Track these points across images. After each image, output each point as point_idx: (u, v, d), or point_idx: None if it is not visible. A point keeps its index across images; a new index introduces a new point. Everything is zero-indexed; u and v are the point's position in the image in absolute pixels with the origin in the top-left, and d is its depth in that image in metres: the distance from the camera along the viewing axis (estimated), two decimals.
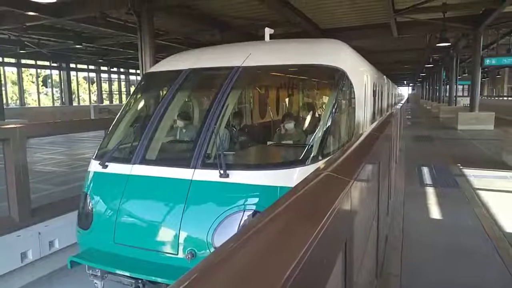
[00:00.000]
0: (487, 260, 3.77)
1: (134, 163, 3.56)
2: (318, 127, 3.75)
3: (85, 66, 29.67)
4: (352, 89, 4.31)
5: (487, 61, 15.80)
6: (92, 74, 31.38)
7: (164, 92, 4.34)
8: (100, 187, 3.69)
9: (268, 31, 4.95)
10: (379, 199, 2.92)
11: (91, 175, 3.81)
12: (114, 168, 3.65)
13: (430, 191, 6.34)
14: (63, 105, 27.37)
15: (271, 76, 4.94)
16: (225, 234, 2.87)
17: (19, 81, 25.46)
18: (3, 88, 22.19)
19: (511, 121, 17.79)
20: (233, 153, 4.20)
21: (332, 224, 0.99)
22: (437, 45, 14.07)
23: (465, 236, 4.39)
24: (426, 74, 40.39)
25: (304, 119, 5.12)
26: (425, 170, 7.95)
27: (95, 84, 31.90)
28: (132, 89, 30.47)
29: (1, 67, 23.48)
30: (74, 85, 29.16)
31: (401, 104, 14.86)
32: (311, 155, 3.40)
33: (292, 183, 2.76)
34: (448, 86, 26.01)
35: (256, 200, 3.12)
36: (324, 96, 5.31)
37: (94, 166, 3.81)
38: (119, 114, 4.47)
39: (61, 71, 27.40)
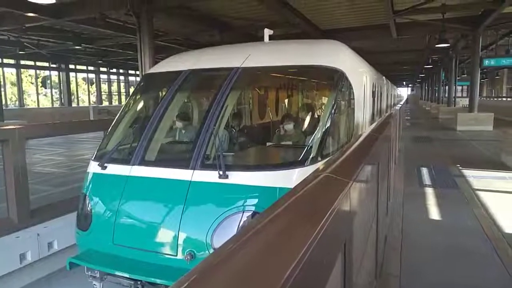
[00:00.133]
0: (486, 261, 3.77)
1: (133, 164, 3.55)
2: (317, 128, 3.75)
3: (84, 67, 29.66)
4: (351, 90, 4.31)
5: (486, 62, 15.84)
6: (92, 75, 31.37)
7: (164, 93, 4.34)
8: (99, 188, 3.69)
9: (267, 32, 4.96)
10: (378, 200, 2.92)
11: (90, 176, 3.80)
12: (113, 169, 3.65)
13: (429, 192, 6.34)
14: (62, 106, 27.34)
15: (270, 77, 4.94)
16: (224, 235, 2.86)
17: (18, 82, 25.45)
18: (2, 89, 22.19)
19: (510, 122, 17.83)
20: (233, 154, 4.19)
21: (332, 225, 0.99)
22: (436, 46, 14.08)
23: (464, 237, 4.39)
24: (425, 75, 40.44)
25: (304, 120, 5.12)
26: (424, 171, 7.95)
27: (94, 85, 31.90)
28: (132, 90, 30.48)
29: (0, 68, 23.46)
30: (73, 86, 29.15)
31: (400, 105, 14.88)
32: (310, 156, 3.40)
33: (291, 184, 2.76)
34: (447, 87, 26.03)
35: (255, 201, 3.12)
36: (323, 97, 5.31)
37: (93, 167, 3.80)
38: (118, 115, 4.46)
39: (60, 72, 27.38)
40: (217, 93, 3.80)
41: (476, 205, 5.54)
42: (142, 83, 5.22)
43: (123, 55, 21.32)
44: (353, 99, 4.43)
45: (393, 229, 4.63)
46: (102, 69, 30.93)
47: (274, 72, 4.50)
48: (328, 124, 3.66)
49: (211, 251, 2.98)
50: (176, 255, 3.09)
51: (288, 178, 3.16)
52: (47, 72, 28.00)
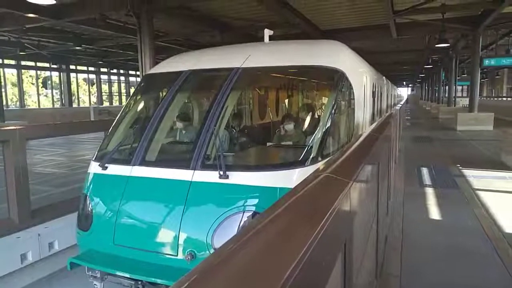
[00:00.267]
0: (487, 261, 3.77)
1: (134, 165, 3.56)
2: (318, 128, 3.75)
3: (85, 68, 29.68)
4: (351, 90, 4.31)
5: (486, 62, 15.83)
6: (92, 76, 31.39)
7: (164, 94, 4.34)
8: (100, 189, 3.69)
9: (267, 32, 4.96)
10: (379, 200, 2.92)
11: (91, 176, 3.81)
12: (114, 169, 3.65)
13: (430, 192, 6.34)
14: (63, 107, 27.36)
15: (270, 77, 4.94)
16: (224, 235, 2.86)
17: (19, 83, 25.47)
18: (3, 90, 22.20)
19: (511, 122, 17.81)
20: (233, 154, 4.20)
21: (332, 225, 1.00)
22: (436, 46, 14.07)
23: (465, 237, 4.39)
24: (425, 75, 40.42)
25: (304, 120, 5.12)
26: (425, 170, 7.95)
27: (95, 86, 31.91)
28: (132, 90, 30.52)
29: (1, 69, 23.47)
30: (74, 86, 29.16)
31: (400, 105, 14.87)
32: (311, 156, 3.41)
33: (291, 184, 2.76)
34: (447, 87, 26.02)
35: (255, 201, 3.12)
36: (323, 97, 5.31)
37: (94, 168, 3.81)
38: (119, 115, 4.47)
39: (61, 73, 27.40)
40: (218, 93, 3.81)
41: (476, 205, 5.54)
42: (142, 84, 5.22)
43: (124, 55, 21.33)
44: (353, 99, 4.43)
45: (393, 229, 4.63)
46: (102, 69, 30.94)
47: (274, 72, 4.50)
48: (328, 124, 3.67)
49: (212, 251, 2.99)
50: (177, 255, 3.09)
51: (289, 178, 3.16)
52: (47, 73, 28.02)
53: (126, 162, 3.65)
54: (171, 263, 3.09)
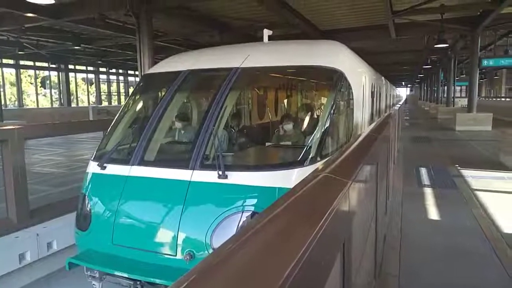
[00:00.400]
0: (485, 261, 3.78)
1: (132, 164, 3.56)
2: (317, 128, 3.75)
3: (83, 68, 29.64)
4: (350, 90, 4.32)
5: (485, 62, 15.85)
6: (91, 75, 31.35)
7: (163, 93, 4.34)
8: (98, 189, 3.69)
9: (266, 33, 4.96)
10: (377, 200, 2.92)
11: (89, 176, 3.80)
12: (113, 169, 3.65)
13: (428, 192, 6.35)
14: (62, 106, 27.32)
15: (269, 77, 4.94)
16: (223, 235, 2.87)
17: (18, 82, 25.42)
18: (1, 89, 22.18)
19: (509, 122, 17.85)
20: (232, 154, 4.20)
21: (331, 225, 1.00)
22: (435, 46, 14.11)
23: (463, 237, 4.40)
24: (424, 75, 40.49)
25: (303, 120, 5.12)
26: (423, 171, 7.97)
27: (93, 85, 31.87)
28: (131, 90, 30.49)
29: (0, 68, 23.42)
30: (72, 86, 29.12)
31: (399, 105, 14.89)
32: (310, 156, 3.41)
33: (290, 184, 2.76)
34: (446, 87, 26.06)
35: (254, 201, 3.13)
36: (322, 97, 5.32)
37: (93, 168, 3.80)
38: (117, 115, 4.47)
39: (60, 72, 27.36)
40: (216, 93, 3.81)
41: (475, 205, 5.55)
42: (141, 84, 5.22)
43: (123, 55, 21.31)
44: (352, 99, 4.43)
45: (392, 229, 4.64)
46: (101, 69, 30.91)
47: (273, 72, 4.50)
48: (327, 124, 3.67)
49: (211, 251, 2.98)
50: (176, 255, 3.09)
51: (287, 178, 3.16)
52: (46, 72, 27.97)
53: (125, 162, 3.65)
54: (170, 263, 3.09)
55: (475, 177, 7.22)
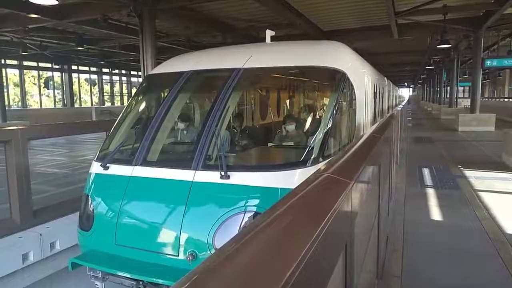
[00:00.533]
0: (488, 262, 3.76)
1: (135, 165, 3.57)
2: (319, 129, 3.75)
3: (86, 68, 29.74)
4: (352, 90, 4.31)
5: (488, 63, 15.78)
6: (94, 76, 31.44)
7: (166, 94, 4.35)
8: (101, 189, 3.70)
9: (269, 33, 4.97)
10: (380, 200, 2.92)
11: (92, 176, 3.82)
12: (116, 169, 3.66)
13: (431, 193, 6.33)
14: (65, 107, 27.42)
15: (272, 77, 4.94)
16: (226, 236, 2.87)
17: (21, 83, 25.53)
18: (5, 90, 22.26)
19: None
20: (234, 155, 4.20)
21: (333, 225, 1.00)
22: (438, 46, 14.06)
23: (466, 238, 4.39)
24: (426, 75, 40.37)
25: (305, 121, 5.12)
26: (426, 171, 7.95)
27: (96, 86, 31.97)
28: (134, 91, 30.57)
29: (4, 69, 23.53)
30: (75, 87, 29.22)
31: (402, 106, 14.85)
32: (312, 157, 3.41)
33: (293, 185, 2.76)
34: (448, 88, 25.98)
35: (257, 201, 3.13)
36: (325, 98, 5.31)
37: (96, 168, 3.82)
38: (120, 115, 4.48)
39: (63, 73, 27.46)
40: (219, 94, 3.81)
41: (478, 206, 5.53)
42: (144, 84, 5.23)
43: (126, 56, 21.35)
44: (355, 99, 4.43)
45: (394, 230, 4.63)
46: (104, 70, 31.00)
47: (275, 73, 4.51)
48: (329, 125, 3.67)
49: (213, 251, 2.99)
50: (178, 256, 3.09)
51: (290, 179, 3.16)
52: (49, 73, 28.09)
53: (128, 162, 3.66)
54: (172, 264, 3.10)
55: (478, 178, 7.19)
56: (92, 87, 31.97)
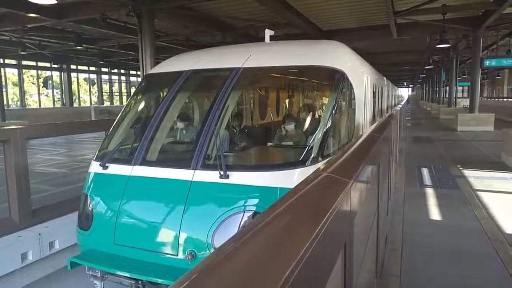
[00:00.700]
0: (487, 261, 3.77)
1: (134, 164, 3.56)
2: (318, 128, 3.75)
3: (85, 68, 29.70)
4: (352, 90, 4.31)
5: (487, 63, 15.80)
6: (93, 76, 31.40)
7: (165, 93, 4.35)
8: (100, 188, 3.70)
9: (268, 33, 4.97)
10: (379, 200, 2.92)
11: (91, 176, 3.81)
12: (115, 169, 3.66)
13: (430, 192, 6.34)
14: (64, 106, 27.39)
15: (271, 77, 4.94)
16: (225, 235, 2.87)
17: (20, 83, 25.48)
18: (4, 90, 22.22)
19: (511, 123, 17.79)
20: (233, 154, 4.20)
21: (332, 224, 1.00)
22: (437, 46, 14.07)
23: (465, 237, 4.39)
24: (426, 75, 40.40)
25: (304, 120, 5.12)
26: (425, 171, 7.95)
27: (95, 86, 31.93)
28: (133, 90, 30.54)
29: (2, 69, 23.49)
30: (74, 86, 29.19)
31: (401, 105, 14.86)
32: (311, 156, 3.41)
33: (292, 184, 2.75)
34: (448, 88, 26.01)
35: (256, 201, 3.13)
36: (324, 97, 5.32)
37: (95, 167, 3.81)
38: (119, 115, 4.47)
39: (62, 73, 27.42)
40: (218, 93, 3.81)
41: (477, 205, 5.53)
42: (143, 84, 5.23)
43: (124, 55, 21.32)
44: (354, 99, 4.43)
45: (393, 229, 4.63)
46: (103, 69, 30.96)
47: (275, 72, 4.51)
48: (329, 125, 3.67)
49: (212, 250, 2.99)
50: (177, 255, 3.09)
51: (289, 178, 3.16)
52: (48, 73, 28.05)
53: (127, 161, 3.66)
54: (172, 263, 3.10)
55: (477, 178, 7.21)
56: (91, 87, 31.93)
